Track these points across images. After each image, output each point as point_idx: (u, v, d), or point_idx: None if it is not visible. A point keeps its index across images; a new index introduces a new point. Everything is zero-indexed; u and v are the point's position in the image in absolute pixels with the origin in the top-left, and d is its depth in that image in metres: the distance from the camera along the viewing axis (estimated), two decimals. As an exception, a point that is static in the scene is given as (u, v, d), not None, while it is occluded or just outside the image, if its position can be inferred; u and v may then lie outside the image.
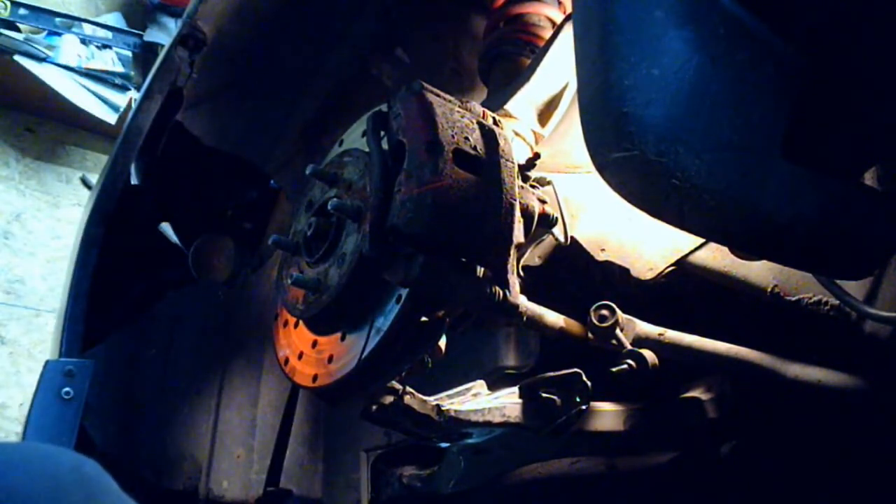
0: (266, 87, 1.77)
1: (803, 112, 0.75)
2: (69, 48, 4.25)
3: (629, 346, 1.15)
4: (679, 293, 1.32)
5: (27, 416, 1.54)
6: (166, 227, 1.93)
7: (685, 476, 1.49)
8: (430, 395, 1.19)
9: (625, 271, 1.27)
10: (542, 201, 1.13)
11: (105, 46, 4.50)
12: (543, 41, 1.54)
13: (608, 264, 1.29)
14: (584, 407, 1.22)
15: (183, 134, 1.68)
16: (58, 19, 4.32)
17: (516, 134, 1.32)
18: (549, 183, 1.18)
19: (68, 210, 4.09)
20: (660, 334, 1.20)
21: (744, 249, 1.13)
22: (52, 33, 4.27)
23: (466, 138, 0.97)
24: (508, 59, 1.59)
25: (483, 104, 1.09)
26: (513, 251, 1.01)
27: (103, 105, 4.27)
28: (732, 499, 1.50)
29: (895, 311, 1.21)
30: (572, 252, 1.25)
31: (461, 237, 0.95)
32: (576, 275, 1.35)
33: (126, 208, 1.63)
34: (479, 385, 1.27)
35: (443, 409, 1.17)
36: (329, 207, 1.02)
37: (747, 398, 1.38)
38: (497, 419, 1.21)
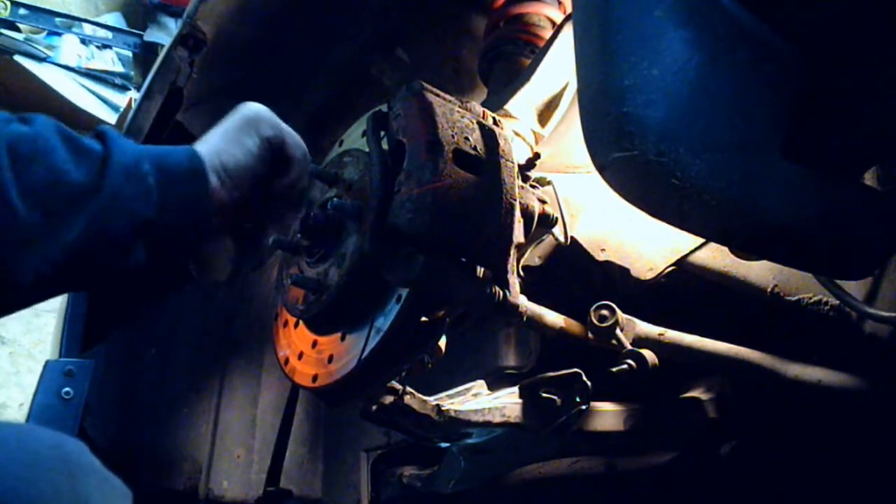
0: (266, 87, 1.76)
1: (803, 112, 0.75)
2: (69, 48, 4.25)
3: (629, 346, 1.15)
4: (679, 293, 1.32)
5: (27, 417, 1.54)
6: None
7: (685, 476, 1.49)
8: (430, 395, 1.19)
9: (625, 271, 1.27)
10: (542, 201, 1.12)
11: (105, 46, 4.51)
12: (543, 41, 1.54)
13: (608, 264, 1.29)
14: (584, 407, 1.21)
15: (183, 134, 1.68)
16: (58, 19, 4.32)
17: (516, 134, 1.32)
18: (549, 183, 1.18)
19: (68, 210, 4.07)
20: (660, 334, 1.20)
21: (744, 249, 1.13)
22: (52, 33, 4.28)
23: (466, 138, 0.97)
24: (508, 59, 1.59)
25: (483, 104, 1.09)
26: (513, 251, 1.01)
27: (103, 105, 4.27)
28: (732, 499, 1.50)
29: (895, 311, 1.21)
30: (572, 252, 1.24)
31: (461, 237, 0.95)
32: (576, 275, 1.35)
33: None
34: (479, 385, 1.27)
35: (443, 409, 1.17)
36: (329, 207, 1.02)
37: (747, 398, 1.38)
38: (497, 419, 1.21)
